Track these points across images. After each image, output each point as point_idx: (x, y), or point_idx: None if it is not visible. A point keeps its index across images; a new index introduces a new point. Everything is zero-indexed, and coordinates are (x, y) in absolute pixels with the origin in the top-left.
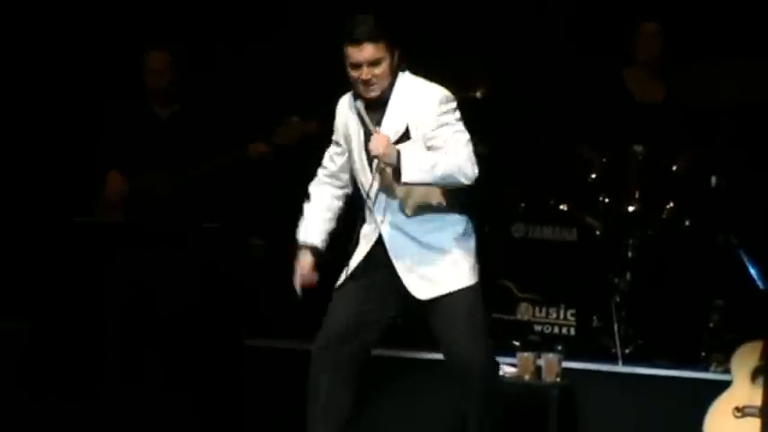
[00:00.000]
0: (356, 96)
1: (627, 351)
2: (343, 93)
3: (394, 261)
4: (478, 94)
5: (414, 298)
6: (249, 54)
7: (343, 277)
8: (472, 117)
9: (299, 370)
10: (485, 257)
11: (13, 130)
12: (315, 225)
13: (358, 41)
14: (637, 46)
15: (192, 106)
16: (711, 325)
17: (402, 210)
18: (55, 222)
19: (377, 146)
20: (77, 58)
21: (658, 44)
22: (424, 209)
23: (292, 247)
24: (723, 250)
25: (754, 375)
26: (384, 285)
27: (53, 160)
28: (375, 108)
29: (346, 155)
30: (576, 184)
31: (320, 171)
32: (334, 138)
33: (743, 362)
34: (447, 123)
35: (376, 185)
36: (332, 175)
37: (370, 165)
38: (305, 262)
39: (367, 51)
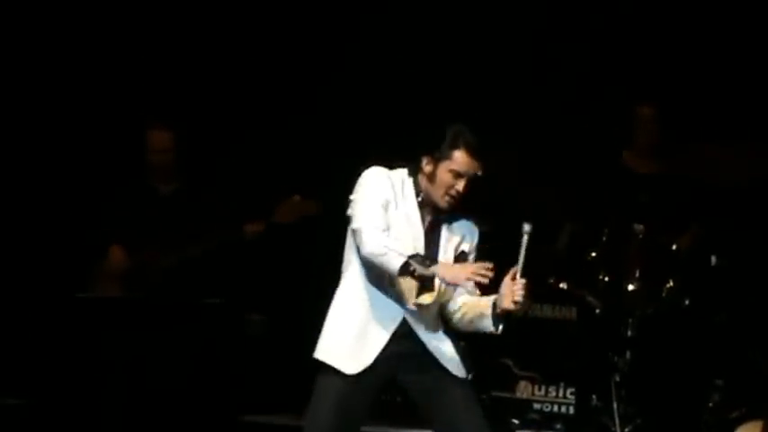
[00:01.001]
0: (418, 192)
1: (626, 430)
2: (341, 173)
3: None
4: (479, 172)
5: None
6: (251, 131)
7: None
8: (473, 195)
9: None
10: (484, 335)
11: (15, 204)
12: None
13: (477, 154)
14: (634, 129)
15: (194, 183)
16: (711, 404)
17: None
18: (55, 297)
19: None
20: (80, 132)
21: (655, 127)
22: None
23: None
24: (723, 329)
25: None
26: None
27: (54, 236)
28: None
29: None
30: (575, 262)
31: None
32: (383, 201)
33: None
34: None
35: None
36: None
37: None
38: None
39: (476, 167)
